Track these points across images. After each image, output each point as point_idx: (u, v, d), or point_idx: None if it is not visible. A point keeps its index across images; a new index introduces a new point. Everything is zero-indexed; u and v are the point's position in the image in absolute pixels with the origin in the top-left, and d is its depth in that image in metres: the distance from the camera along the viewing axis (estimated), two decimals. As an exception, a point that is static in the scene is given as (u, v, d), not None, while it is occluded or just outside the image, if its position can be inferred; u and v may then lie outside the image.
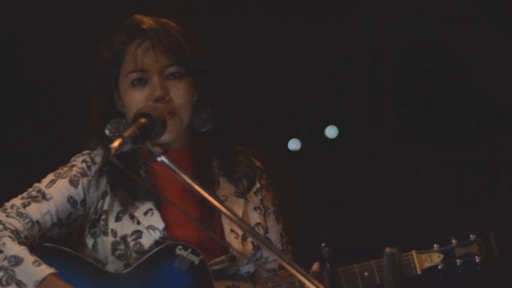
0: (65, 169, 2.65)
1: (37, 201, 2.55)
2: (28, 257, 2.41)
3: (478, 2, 5.60)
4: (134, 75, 2.65)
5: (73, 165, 2.65)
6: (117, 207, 2.63)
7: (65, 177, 2.61)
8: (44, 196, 2.57)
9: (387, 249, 1.82)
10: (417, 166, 6.69)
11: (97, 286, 2.55)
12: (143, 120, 2.17)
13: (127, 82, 2.67)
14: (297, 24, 5.79)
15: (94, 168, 2.64)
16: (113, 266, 2.59)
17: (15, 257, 2.41)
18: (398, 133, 6.57)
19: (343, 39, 6.13)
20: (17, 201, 2.56)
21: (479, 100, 6.15)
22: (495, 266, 2.69)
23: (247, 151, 2.83)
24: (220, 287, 2.64)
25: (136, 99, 2.64)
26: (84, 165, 2.64)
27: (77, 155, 2.69)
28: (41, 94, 4.97)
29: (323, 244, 2.56)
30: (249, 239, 2.69)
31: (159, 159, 2.07)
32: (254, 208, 2.82)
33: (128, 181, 2.58)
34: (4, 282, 2.38)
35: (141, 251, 2.57)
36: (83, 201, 2.61)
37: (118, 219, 2.62)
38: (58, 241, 2.61)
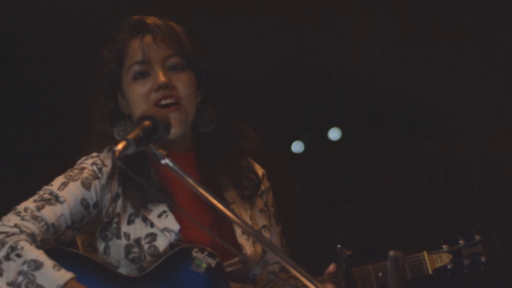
0: (76, 171, 2.60)
1: (51, 204, 2.50)
2: (48, 262, 2.37)
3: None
4: (136, 67, 2.65)
5: (83, 168, 2.60)
6: (129, 210, 2.60)
7: (77, 179, 2.57)
8: (57, 199, 2.52)
9: (391, 252, 1.82)
10: (419, 167, 6.69)
11: None
12: (147, 122, 2.16)
13: (130, 76, 2.66)
14: (300, 28, 5.80)
15: (105, 170, 2.60)
16: (125, 269, 2.57)
17: (34, 261, 2.36)
18: (400, 135, 6.57)
19: (346, 42, 6.13)
20: (30, 204, 2.50)
21: (478, 98, 6.15)
22: (499, 265, 2.76)
23: (248, 154, 2.82)
24: None
25: (139, 91, 2.63)
26: (95, 167, 2.60)
27: (85, 157, 2.65)
28: (42, 96, 4.97)
29: (339, 246, 2.57)
30: None
31: (163, 161, 2.06)
32: (260, 211, 2.82)
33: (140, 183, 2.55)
34: (23, 286, 2.33)
35: (155, 254, 2.54)
36: (96, 204, 2.57)
37: (130, 222, 2.59)
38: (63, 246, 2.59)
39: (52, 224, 2.48)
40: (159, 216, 2.59)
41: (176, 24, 2.72)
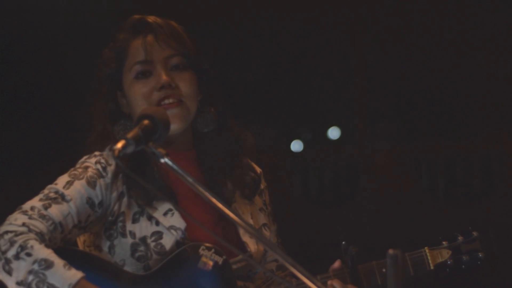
0: (80, 170, 2.59)
1: (58, 203, 2.49)
2: (58, 261, 2.35)
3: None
4: (138, 67, 2.65)
5: (87, 167, 2.60)
6: (134, 208, 2.60)
7: (82, 178, 2.56)
8: (63, 198, 2.51)
9: (390, 251, 1.83)
10: (419, 165, 6.70)
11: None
12: (146, 121, 2.16)
13: (132, 75, 2.66)
14: (300, 27, 5.80)
15: (109, 169, 2.59)
16: (131, 268, 2.56)
17: (45, 260, 2.34)
18: (400, 134, 6.57)
19: (345, 41, 6.13)
20: (36, 203, 2.49)
21: (478, 98, 6.16)
22: (495, 262, 2.80)
23: (247, 153, 2.83)
24: None
25: (141, 91, 2.64)
26: (99, 166, 2.60)
27: (87, 156, 2.65)
28: (42, 96, 4.97)
29: (343, 242, 2.60)
30: None
31: (162, 160, 2.06)
32: (260, 209, 2.84)
33: (146, 181, 2.54)
34: (34, 286, 2.32)
35: (162, 252, 2.54)
36: (101, 203, 2.56)
37: (135, 220, 2.59)
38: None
39: (60, 223, 2.47)
40: (165, 214, 2.59)
41: (176, 23, 2.73)
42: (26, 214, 2.45)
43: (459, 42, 6.00)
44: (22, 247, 2.36)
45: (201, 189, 2.02)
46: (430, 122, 6.44)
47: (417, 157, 6.66)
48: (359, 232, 5.67)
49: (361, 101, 6.64)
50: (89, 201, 2.54)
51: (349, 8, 5.83)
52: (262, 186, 2.87)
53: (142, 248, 2.56)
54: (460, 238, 2.81)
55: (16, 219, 2.43)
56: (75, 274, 2.34)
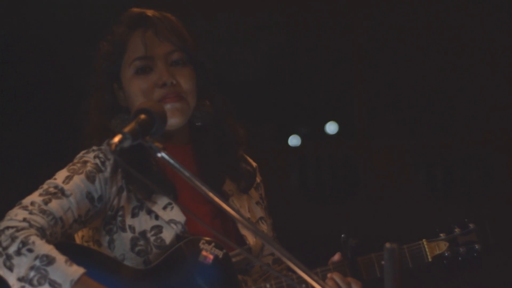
0: (78, 165, 2.58)
1: (58, 198, 2.49)
2: (60, 257, 2.35)
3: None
4: (139, 63, 2.65)
5: (86, 161, 2.59)
6: (133, 203, 2.60)
7: (81, 173, 2.55)
8: (63, 192, 2.50)
9: (387, 244, 1.83)
10: (417, 159, 6.70)
11: (125, 283, 2.51)
12: (143, 116, 2.15)
13: (131, 71, 2.66)
14: (297, 22, 5.80)
15: (108, 164, 2.59)
16: (131, 262, 2.56)
17: (47, 256, 2.34)
18: (398, 128, 6.58)
19: (343, 36, 6.13)
20: (36, 198, 2.48)
21: (477, 93, 6.16)
22: (491, 253, 2.81)
23: (243, 146, 2.84)
24: None
25: (141, 86, 2.63)
26: (97, 160, 2.59)
27: (85, 151, 2.64)
28: (39, 91, 4.96)
29: (343, 235, 2.60)
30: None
31: (159, 154, 2.06)
32: (256, 203, 2.84)
33: (144, 175, 2.54)
34: (35, 282, 2.32)
35: (162, 246, 2.54)
36: (100, 197, 2.56)
37: (134, 215, 2.59)
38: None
39: (60, 218, 2.47)
40: (165, 208, 2.59)
41: (173, 16, 2.73)
42: (27, 209, 2.45)
43: (459, 38, 6.00)
44: (24, 243, 2.35)
45: (198, 183, 2.02)
46: (428, 116, 6.45)
47: (415, 151, 6.67)
48: (357, 226, 5.68)
49: (359, 95, 6.64)
50: (89, 196, 2.54)
51: (348, 1, 5.82)
52: (258, 180, 2.87)
53: (142, 242, 2.55)
54: (457, 230, 2.82)
55: (17, 215, 2.43)
56: (77, 270, 2.34)
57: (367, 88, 6.58)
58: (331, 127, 6.71)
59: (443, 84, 6.22)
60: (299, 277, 2.45)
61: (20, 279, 2.33)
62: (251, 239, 2.68)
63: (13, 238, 2.36)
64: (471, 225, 2.83)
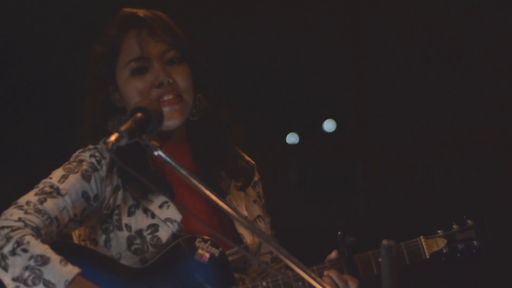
0: (74, 164, 2.59)
1: (53, 197, 2.49)
2: (55, 257, 2.35)
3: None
4: (134, 64, 2.65)
5: (82, 160, 2.59)
6: (129, 201, 2.60)
7: (77, 172, 2.56)
8: (58, 192, 2.50)
9: (384, 241, 1.83)
10: (415, 157, 6.70)
11: (121, 282, 2.51)
12: (139, 114, 2.15)
13: (127, 72, 2.66)
14: (296, 19, 5.79)
15: (104, 162, 2.59)
16: (127, 261, 2.56)
17: (41, 256, 2.34)
18: (396, 126, 6.58)
19: (341, 33, 6.12)
20: (31, 197, 2.49)
21: (476, 92, 6.17)
22: (490, 249, 2.81)
23: (239, 142, 2.83)
24: None
25: (138, 87, 2.63)
26: (93, 159, 2.59)
27: (81, 150, 2.64)
28: (34, 92, 4.95)
29: (339, 233, 2.60)
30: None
31: (156, 153, 2.05)
32: (254, 201, 2.84)
33: (140, 174, 2.53)
34: (30, 282, 2.32)
35: (158, 245, 2.54)
36: (96, 196, 2.56)
37: (131, 213, 2.59)
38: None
39: (56, 217, 2.47)
40: (161, 206, 2.59)
41: (165, 14, 2.72)
42: (22, 209, 2.44)
43: (459, 37, 6.00)
44: (18, 243, 2.36)
45: (195, 181, 2.02)
46: (426, 114, 6.44)
47: (413, 150, 6.67)
48: (355, 224, 5.67)
49: (357, 93, 6.64)
50: (84, 195, 2.54)
51: (347, 3, 5.82)
52: (255, 178, 2.87)
53: (138, 241, 2.55)
54: (455, 226, 2.82)
55: (12, 214, 2.43)
56: (71, 270, 2.34)
57: (365, 86, 6.58)
58: (329, 125, 6.69)
59: (441, 82, 6.22)
60: (296, 274, 2.45)
61: (14, 279, 2.33)
62: (248, 237, 2.67)
63: (8, 238, 2.36)
64: (470, 222, 2.83)
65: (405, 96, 6.41)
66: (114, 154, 2.04)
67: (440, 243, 2.78)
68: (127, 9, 2.71)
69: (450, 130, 6.49)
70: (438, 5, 5.75)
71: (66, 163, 2.61)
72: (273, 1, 5.53)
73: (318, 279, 1.94)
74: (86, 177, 2.55)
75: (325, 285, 1.92)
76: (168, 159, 2.04)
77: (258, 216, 2.82)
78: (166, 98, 2.62)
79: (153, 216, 2.58)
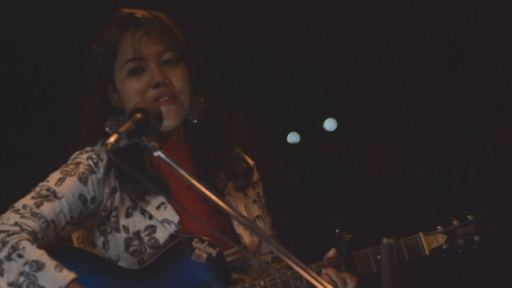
0: (71, 166, 2.59)
1: (50, 200, 2.49)
2: (50, 262, 2.36)
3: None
4: (131, 65, 2.65)
5: (79, 162, 2.59)
6: (127, 203, 2.60)
7: (73, 174, 2.56)
8: (55, 195, 2.51)
9: (385, 240, 1.83)
10: (415, 157, 6.70)
11: (119, 284, 2.51)
12: (138, 115, 2.14)
13: (124, 73, 2.66)
14: (296, 18, 5.78)
15: (101, 164, 2.60)
16: (125, 262, 2.57)
17: (36, 262, 2.35)
18: (397, 125, 6.57)
19: (342, 32, 6.12)
20: (28, 201, 2.49)
21: (474, 88, 6.16)
22: (492, 244, 2.79)
23: (238, 143, 2.83)
24: None
25: (135, 87, 2.63)
26: (90, 161, 2.60)
27: (78, 152, 2.64)
28: (32, 92, 4.95)
29: (337, 230, 2.59)
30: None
31: (155, 154, 2.06)
32: (253, 201, 2.84)
33: (138, 174, 2.52)
34: (24, 287, 2.32)
35: (156, 246, 2.55)
36: (93, 199, 2.56)
37: (128, 215, 2.59)
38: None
39: (52, 221, 2.47)
40: (158, 207, 2.59)
41: (162, 14, 2.72)
42: (18, 213, 2.45)
43: (459, 35, 6.00)
44: (14, 248, 2.36)
45: (194, 181, 2.02)
46: (426, 112, 6.44)
47: (413, 148, 6.67)
48: (355, 223, 5.67)
49: (358, 92, 6.64)
50: (81, 197, 2.54)
51: (347, 2, 5.81)
52: (255, 178, 2.87)
53: (136, 242, 2.56)
54: (455, 222, 2.79)
55: (9, 218, 2.43)
56: (66, 276, 2.34)
57: (366, 85, 6.58)
58: (330, 124, 6.69)
59: (441, 80, 6.21)
60: (295, 273, 2.45)
61: (10, 284, 2.34)
62: (246, 238, 2.67)
63: (4, 243, 2.37)
64: (470, 217, 2.80)
65: (405, 95, 6.41)
66: (114, 155, 2.05)
67: (440, 239, 2.76)
68: (125, 10, 2.71)
69: (450, 129, 6.49)
70: (438, 5, 5.75)
71: (64, 165, 2.61)
72: (273, 1, 5.53)
73: (318, 278, 1.94)
74: (83, 179, 2.56)
75: (323, 283, 1.92)
76: (167, 159, 2.04)
77: (258, 217, 2.81)
78: (161, 98, 2.62)
79: (150, 217, 2.58)
